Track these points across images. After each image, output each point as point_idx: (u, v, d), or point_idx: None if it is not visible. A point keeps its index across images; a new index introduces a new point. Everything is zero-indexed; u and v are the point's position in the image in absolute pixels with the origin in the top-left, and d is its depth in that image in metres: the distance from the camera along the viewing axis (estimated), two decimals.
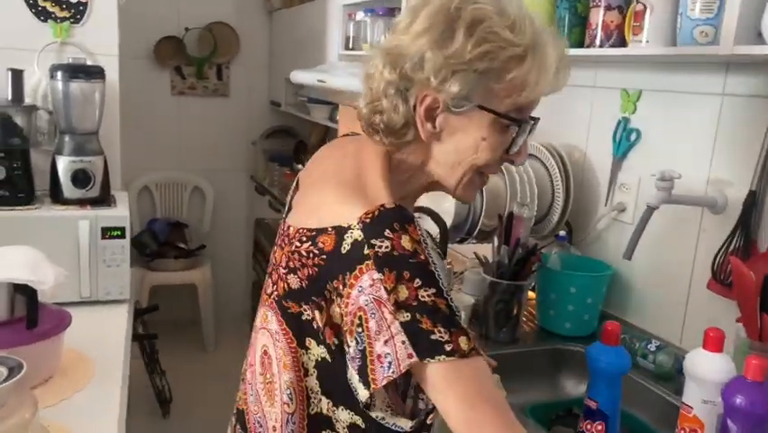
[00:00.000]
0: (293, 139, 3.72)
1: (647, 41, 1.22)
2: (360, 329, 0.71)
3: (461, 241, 1.60)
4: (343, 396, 0.78)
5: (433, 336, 0.70)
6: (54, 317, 1.28)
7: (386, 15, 2.26)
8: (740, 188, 1.24)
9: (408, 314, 0.70)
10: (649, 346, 1.34)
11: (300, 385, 0.81)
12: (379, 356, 0.71)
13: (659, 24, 1.19)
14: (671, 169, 1.24)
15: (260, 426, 0.87)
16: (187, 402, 2.91)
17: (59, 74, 1.73)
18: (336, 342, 0.76)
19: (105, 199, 1.76)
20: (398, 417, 0.78)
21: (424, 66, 0.76)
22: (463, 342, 0.71)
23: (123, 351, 1.43)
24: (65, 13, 1.90)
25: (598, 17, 1.32)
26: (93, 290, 1.66)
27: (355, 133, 0.94)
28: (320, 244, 0.76)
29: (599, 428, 1.02)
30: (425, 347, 0.70)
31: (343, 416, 0.80)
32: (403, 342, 0.70)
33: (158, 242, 3.33)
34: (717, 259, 1.25)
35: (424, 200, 1.09)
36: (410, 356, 0.70)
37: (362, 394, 0.73)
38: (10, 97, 1.76)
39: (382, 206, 0.74)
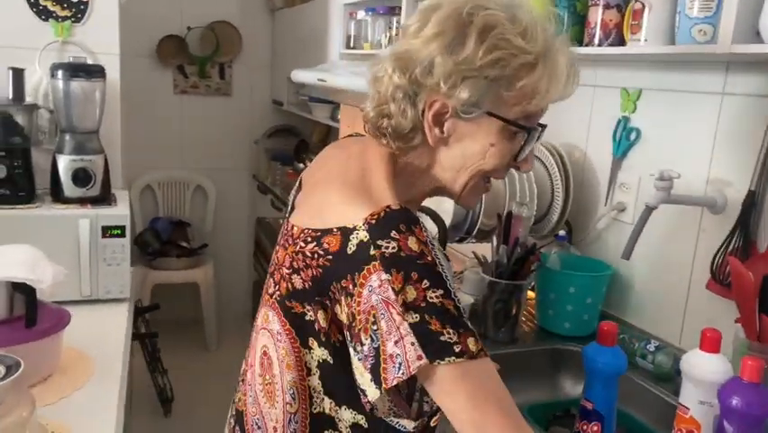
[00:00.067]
0: (295, 138, 3.72)
1: (645, 40, 1.21)
2: (375, 327, 0.71)
3: (461, 240, 1.60)
4: (346, 396, 0.78)
5: (442, 338, 0.70)
6: (53, 316, 1.28)
7: (386, 14, 2.26)
8: (740, 188, 1.23)
9: (417, 315, 0.70)
10: (648, 347, 1.33)
11: (303, 385, 0.81)
12: (390, 356, 0.71)
13: (657, 23, 1.19)
14: (670, 168, 1.23)
15: (259, 427, 0.87)
16: (188, 401, 2.91)
17: (60, 73, 1.73)
18: (341, 339, 0.76)
19: (105, 198, 1.77)
20: (401, 418, 0.79)
21: (433, 71, 0.76)
22: (472, 343, 0.70)
23: (122, 350, 1.44)
24: (66, 13, 1.90)
25: (596, 16, 1.31)
26: (93, 289, 1.67)
27: (359, 133, 0.94)
28: (325, 245, 0.75)
29: (595, 428, 1.02)
30: (434, 349, 0.69)
31: (346, 415, 0.80)
32: (412, 343, 0.69)
33: (160, 240, 3.34)
34: (717, 259, 1.24)
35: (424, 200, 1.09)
36: (419, 358, 0.69)
37: (372, 394, 0.73)
38: (11, 96, 1.77)
39: (388, 207, 0.74)
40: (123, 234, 1.68)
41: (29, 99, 1.82)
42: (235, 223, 3.84)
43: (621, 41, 1.29)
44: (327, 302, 0.76)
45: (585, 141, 1.64)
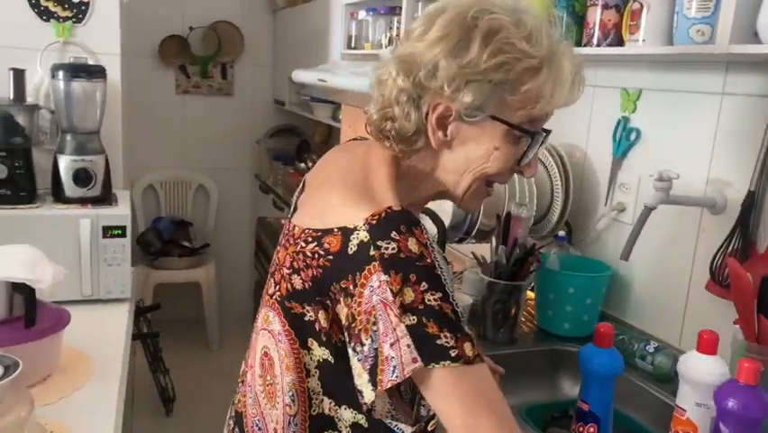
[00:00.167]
0: (297, 138, 3.72)
1: (644, 40, 1.21)
2: (375, 327, 0.71)
3: (460, 240, 1.60)
4: (346, 395, 0.78)
5: (438, 341, 0.70)
6: (53, 316, 1.28)
7: (387, 14, 2.26)
8: (739, 189, 1.23)
9: (414, 317, 0.70)
10: (647, 348, 1.33)
11: (302, 386, 0.81)
12: (386, 358, 0.71)
13: (655, 23, 1.19)
14: (669, 169, 1.23)
15: (259, 428, 0.87)
16: (190, 401, 2.92)
17: (61, 73, 1.74)
18: (342, 339, 0.76)
19: (106, 198, 1.77)
20: (399, 421, 0.79)
21: (437, 74, 0.76)
22: (468, 348, 0.70)
23: (123, 350, 1.44)
24: (67, 13, 1.91)
25: (595, 16, 1.31)
26: (94, 289, 1.67)
27: (363, 137, 0.94)
28: (326, 245, 0.76)
29: (591, 430, 1.02)
30: (430, 352, 0.69)
31: (346, 415, 0.80)
32: (408, 345, 0.69)
33: (162, 240, 3.34)
34: (716, 260, 1.24)
35: None
36: (414, 361, 0.70)
37: (368, 396, 0.73)
38: (12, 97, 1.77)
39: (389, 208, 0.74)
40: (123, 235, 1.68)
41: (30, 100, 1.83)
42: (237, 223, 3.84)
43: (620, 42, 1.29)
44: (328, 302, 0.76)
45: (585, 141, 1.64)
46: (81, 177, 1.73)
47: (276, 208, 3.36)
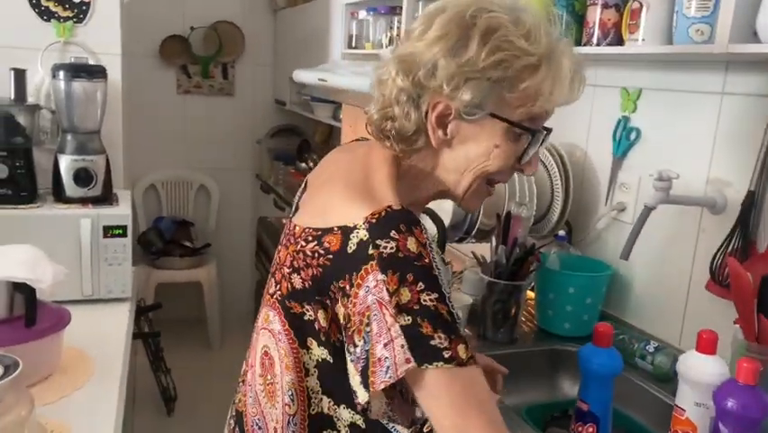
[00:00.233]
0: (298, 138, 3.73)
1: (643, 40, 1.21)
2: (368, 328, 0.72)
3: (460, 240, 1.60)
4: (345, 395, 0.78)
5: (432, 342, 0.70)
6: (53, 316, 1.29)
7: (388, 14, 2.26)
8: (739, 189, 1.23)
9: (409, 317, 0.70)
10: (647, 347, 1.33)
11: (301, 386, 0.81)
12: (378, 359, 0.71)
13: (655, 22, 1.19)
14: (669, 168, 1.23)
15: (260, 428, 0.87)
16: (191, 400, 2.92)
17: (62, 73, 1.74)
18: (341, 339, 0.76)
19: (107, 198, 1.78)
20: (396, 423, 0.79)
21: (437, 73, 0.76)
22: (462, 350, 0.70)
23: (123, 349, 1.44)
24: (68, 13, 1.91)
25: (595, 15, 1.31)
26: (95, 289, 1.67)
27: (365, 138, 0.94)
28: (326, 244, 0.76)
29: (591, 430, 1.02)
30: (423, 353, 0.69)
31: (345, 415, 0.80)
32: (402, 346, 0.69)
33: (163, 240, 3.35)
34: (716, 260, 1.23)
35: None
36: (408, 361, 0.70)
37: (362, 397, 0.73)
38: (13, 97, 1.78)
39: (389, 207, 0.74)
40: (124, 234, 1.68)
41: (31, 100, 1.83)
42: (238, 222, 3.85)
43: (620, 41, 1.29)
44: (327, 302, 0.76)
45: (585, 140, 1.64)
46: (82, 177, 1.74)
47: (277, 208, 3.36)
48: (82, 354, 1.38)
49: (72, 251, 1.63)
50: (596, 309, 1.48)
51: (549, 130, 0.83)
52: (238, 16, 3.62)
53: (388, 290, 0.70)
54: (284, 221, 0.92)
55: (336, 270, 0.74)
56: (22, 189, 1.66)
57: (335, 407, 0.80)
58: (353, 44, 2.53)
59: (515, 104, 0.77)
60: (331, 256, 0.75)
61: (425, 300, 0.70)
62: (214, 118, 3.71)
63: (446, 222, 1.51)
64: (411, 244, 0.71)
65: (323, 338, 0.78)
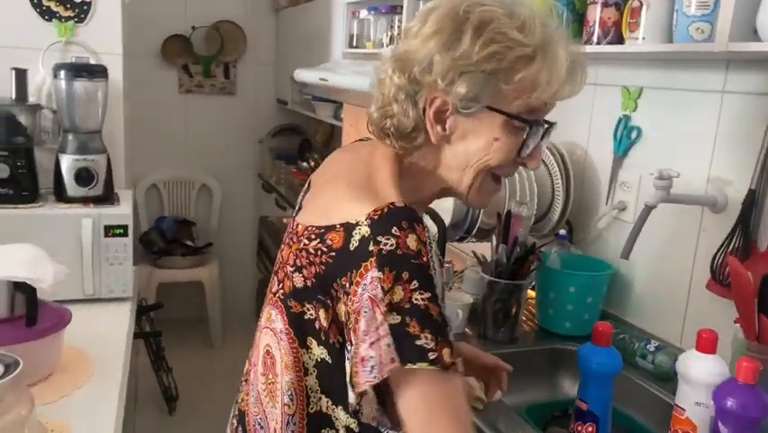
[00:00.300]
0: (300, 137, 3.73)
1: (643, 38, 1.20)
2: (357, 326, 0.72)
3: (461, 239, 1.60)
4: (341, 396, 0.78)
5: (418, 342, 0.69)
6: (54, 315, 1.29)
7: (389, 13, 2.26)
8: (740, 187, 1.22)
9: (399, 316, 0.70)
10: (648, 347, 1.33)
11: (300, 385, 0.81)
12: (362, 359, 0.71)
13: (655, 21, 1.18)
14: (669, 167, 1.23)
15: (261, 427, 0.87)
16: (193, 399, 2.93)
17: (63, 73, 1.74)
18: (341, 340, 0.76)
19: (108, 198, 1.78)
20: (386, 427, 0.78)
21: (432, 69, 0.76)
22: (447, 354, 0.70)
23: (124, 349, 1.44)
24: (69, 13, 1.92)
25: (595, 14, 1.31)
26: (96, 288, 1.67)
27: (369, 138, 0.94)
28: (328, 242, 0.76)
29: (590, 429, 1.02)
30: (408, 352, 0.69)
31: (341, 415, 0.80)
32: (388, 345, 0.69)
33: (165, 239, 3.35)
34: (717, 259, 1.23)
35: None
36: (392, 361, 0.70)
37: (351, 397, 0.73)
38: (14, 96, 1.78)
39: (392, 204, 0.74)
40: (125, 234, 1.68)
41: (32, 99, 1.84)
42: (240, 222, 3.85)
43: (620, 40, 1.29)
44: (329, 301, 0.76)
45: (586, 139, 1.63)
46: (83, 176, 1.74)
47: (278, 208, 3.36)
48: (83, 353, 1.38)
49: (73, 250, 1.63)
50: (596, 309, 1.48)
51: (551, 124, 0.82)
52: (240, 16, 3.63)
53: (382, 287, 0.70)
54: (285, 220, 0.92)
55: (339, 267, 0.74)
56: (23, 189, 1.67)
57: (333, 407, 0.80)
58: (354, 43, 2.54)
59: (512, 96, 0.76)
60: (333, 254, 0.75)
61: (416, 299, 0.70)
62: (216, 118, 3.71)
63: (447, 221, 1.51)
64: (411, 242, 0.71)
65: (323, 338, 0.78)
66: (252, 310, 3.71)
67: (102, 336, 1.47)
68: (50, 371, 1.28)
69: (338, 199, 0.80)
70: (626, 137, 1.50)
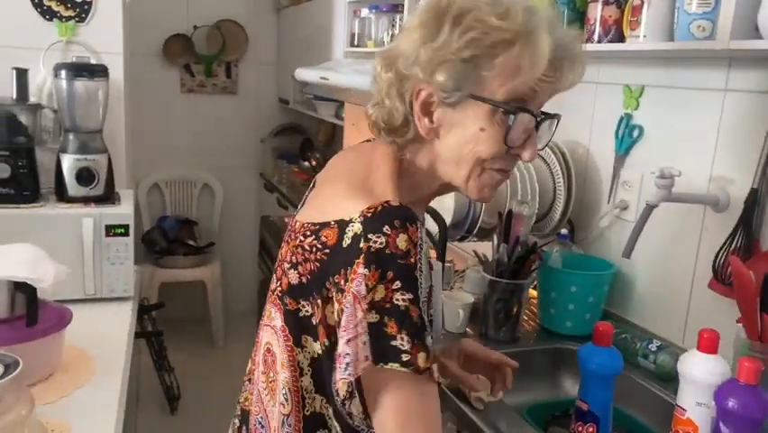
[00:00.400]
0: (301, 136, 3.73)
1: (644, 37, 1.20)
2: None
3: (462, 239, 1.59)
4: (332, 397, 0.78)
5: (393, 342, 0.69)
6: (55, 315, 1.29)
7: (390, 12, 2.26)
8: (742, 186, 1.22)
9: (378, 315, 0.70)
10: (650, 346, 1.32)
11: (296, 385, 0.80)
12: (339, 355, 0.71)
13: (656, 19, 1.18)
14: (671, 166, 1.22)
15: (262, 426, 0.87)
16: (195, 399, 2.93)
17: (63, 73, 1.74)
18: (327, 343, 0.76)
19: (109, 197, 1.78)
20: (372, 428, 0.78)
21: (414, 61, 0.77)
22: (422, 358, 0.70)
23: (125, 348, 1.44)
24: (70, 13, 1.92)
25: (596, 12, 1.30)
26: (97, 288, 1.68)
27: (373, 138, 0.94)
28: (323, 238, 0.76)
29: (591, 430, 1.01)
30: (382, 351, 0.70)
31: (334, 415, 0.80)
32: (364, 343, 0.70)
33: (167, 239, 3.36)
34: (719, 258, 1.23)
35: None
36: (366, 359, 0.70)
37: (337, 395, 0.74)
38: (15, 96, 1.78)
39: (387, 202, 0.74)
40: (126, 233, 1.68)
41: (33, 99, 1.84)
42: (242, 221, 3.85)
43: (621, 38, 1.28)
44: (319, 301, 0.76)
45: (588, 138, 1.63)
46: (84, 176, 1.74)
47: (280, 207, 3.36)
48: (84, 353, 1.38)
49: (74, 250, 1.63)
50: (598, 308, 1.47)
51: (547, 114, 0.80)
52: (241, 15, 3.62)
53: (366, 285, 0.70)
54: (287, 220, 0.92)
55: (332, 264, 0.74)
56: (24, 189, 1.67)
57: (327, 405, 0.80)
58: (356, 42, 2.53)
59: (496, 83, 0.75)
60: (327, 251, 0.75)
61: (397, 299, 0.70)
62: (218, 117, 3.71)
63: (448, 220, 1.50)
64: (401, 241, 0.71)
65: (317, 335, 0.78)
66: (254, 310, 3.71)
67: (103, 336, 1.47)
68: (50, 371, 1.28)
69: (335, 197, 0.80)
70: (627, 136, 1.49)
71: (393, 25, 2.24)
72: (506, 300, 1.42)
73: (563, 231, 1.60)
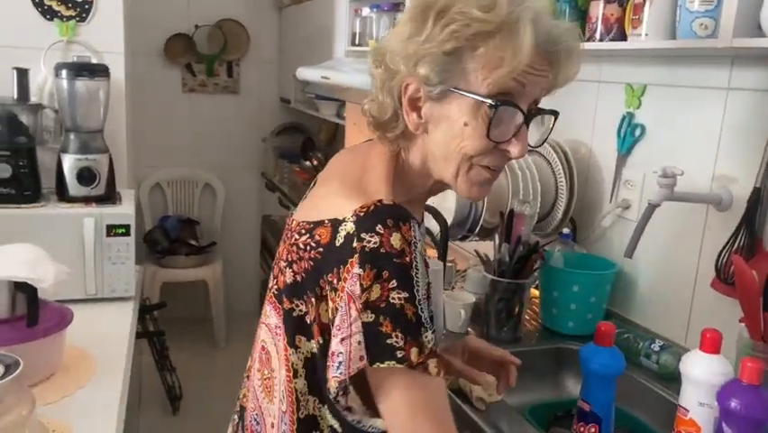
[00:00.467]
0: (303, 136, 3.72)
1: (646, 35, 1.19)
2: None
3: (463, 238, 1.59)
4: (326, 396, 0.78)
5: (389, 340, 0.69)
6: (56, 315, 1.29)
7: (391, 11, 2.26)
8: (745, 185, 1.21)
9: (373, 315, 0.70)
10: (652, 346, 1.31)
11: (290, 387, 0.80)
12: (332, 353, 0.71)
13: (658, 17, 1.17)
14: (673, 165, 1.21)
15: (257, 423, 0.87)
16: (197, 399, 2.93)
17: (64, 72, 1.75)
18: (321, 341, 0.76)
19: (110, 197, 1.78)
20: (375, 418, 0.78)
21: (400, 55, 0.77)
22: (414, 353, 0.70)
23: (126, 348, 1.44)
24: (71, 12, 1.92)
25: (598, 10, 1.30)
26: (98, 288, 1.68)
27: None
28: (317, 237, 0.76)
29: (593, 430, 1.01)
30: (377, 351, 0.70)
31: (327, 415, 0.80)
32: (359, 342, 0.70)
33: (169, 239, 3.35)
34: (722, 257, 1.22)
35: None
36: (361, 359, 0.70)
37: (330, 391, 0.74)
38: (16, 96, 1.78)
39: (379, 201, 0.74)
40: (127, 233, 1.68)
41: (34, 99, 1.84)
42: (244, 221, 3.85)
43: (623, 36, 1.28)
44: (313, 300, 0.76)
45: (590, 137, 1.62)
46: (85, 176, 1.74)
47: (282, 207, 3.36)
48: (85, 353, 1.38)
49: (75, 250, 1.63)
50: (600, 308, 1.47)
51: (539, 110, 0.78)
52: (242, 14, 3.62)
53: (361, 285, 0.70)
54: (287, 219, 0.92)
55: (326, 263, 0.75)
56: (25, 189, 1.67)
57: (320, 406, 0.80)
58: (357, 41, 2.53)
59: (480, 76, 0.73)
60: (321, 249, 0.75)
61: (393, 298, 0.70)
62: (220, 117, 3.71)
63: (449, 220, 1.50)
64: (395, 240, 0.71)
65: (312, 333, 0.78)
66: (256, 310, 3.67)
67: (104, 336, 1.47)
68: (51, 371, 1.28)
69: (330, 196, 0.80)
70: (629, 135, 1.48)
71: (394, 24, 2.23)
72: (507, 300, 1.42)
73: (565, 230, 1.59)
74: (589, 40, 1.34)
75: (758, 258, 1.17)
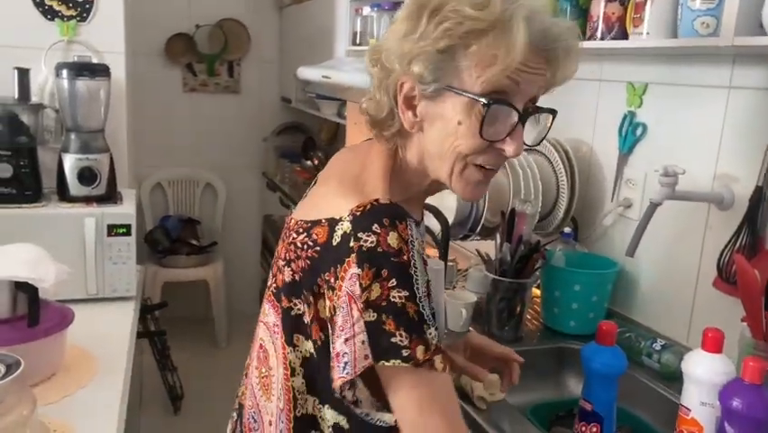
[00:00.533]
0: (304, 135, 3.72)
1: (648, 33, 1.19)
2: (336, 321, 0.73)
3: (464, 237, 1.59)
4: (328, 395, 0.78)
5: (393, 339, 0.70)
6: (56, 315, 1.29)
7: (392, 10, 2.25)
8: (747, 184, 1.21)
9: (375, 314, 0.70)
10: (654, 345, 1.31)
11: (287, 385, 0.81)
12: (338, 354, 0.72)
13: (660, 15, 1.17)
14: (675, 164, 1.21)
15: (255, 421, 0.87)
16: (198, 399, 2.93)
17: (65, 72, 1.75)
18: (323, 337, 0.76)
19: (111, 197, 1.78)
20: (383, 412, 0.78)
21: (395, 54, 0.77)
22: (420, 351, 0.70)
23: (127, 348, 1.44)
24: (71, 12, 1.92)
25: (599, 9, 1.30)
26: (99, 287, 1.68)
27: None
28: (314, 236, 0.76)
29: (594, 430, 1.01)
30: (382, 350, 0.70)
31: (329, 415, 0.80)
32: (363, 342, 0.70)
33: (170, 238, 3.35)
34: (723, 256, 1.22)
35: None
36: (366, 358, 0.70)
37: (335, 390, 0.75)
38: (17, 96, 1.78)
39: (376, 200, 0.74)
40: (128, 233, 1.68)
41: (34, 99, 1.84)
42: (245, 221, 3.85)
43: (624, 35, 1.27)
44: (311, 298, 0.77)
45: (591, 136, 1.62)
46: (86, 175, 1.74)
47: (283, 206, 3.36)
48: (86, 353, 1.38)
49: (76, 249, 1.63)
50: (602, 307, 1.47)
51: (536, 109, 0.78)
52: (243, 14, 3.62)
53: (361, 284, 0.70)
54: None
55: (323, 262, 0.75)
56: (26, 189, 1.67)
57: (320, 406, 0.80)
58: (358, 41, 2.53)
59: (473, 75, 0.73)
60: (318, 248, 0.76)
61: (393, 297, 0.70)
62: (220, 116, 3.71)
63: (450, 219, 1.50)
64: (392, 239, 0.71)
65: (309, 333, 0.78)
66: (257, 309, 3.61)
67: (105, 336, 1.47)
68: (52, 371, 1.28)
69: (328, 195, 0.80)
70: (631, 134, 1.48)
71: (392, 23, 2.23)
72: (509, 299, 1.42)
73: (567, 229, 1.59)
74: (590, 38, 1.34)
75: (760, 257, 1.16)
